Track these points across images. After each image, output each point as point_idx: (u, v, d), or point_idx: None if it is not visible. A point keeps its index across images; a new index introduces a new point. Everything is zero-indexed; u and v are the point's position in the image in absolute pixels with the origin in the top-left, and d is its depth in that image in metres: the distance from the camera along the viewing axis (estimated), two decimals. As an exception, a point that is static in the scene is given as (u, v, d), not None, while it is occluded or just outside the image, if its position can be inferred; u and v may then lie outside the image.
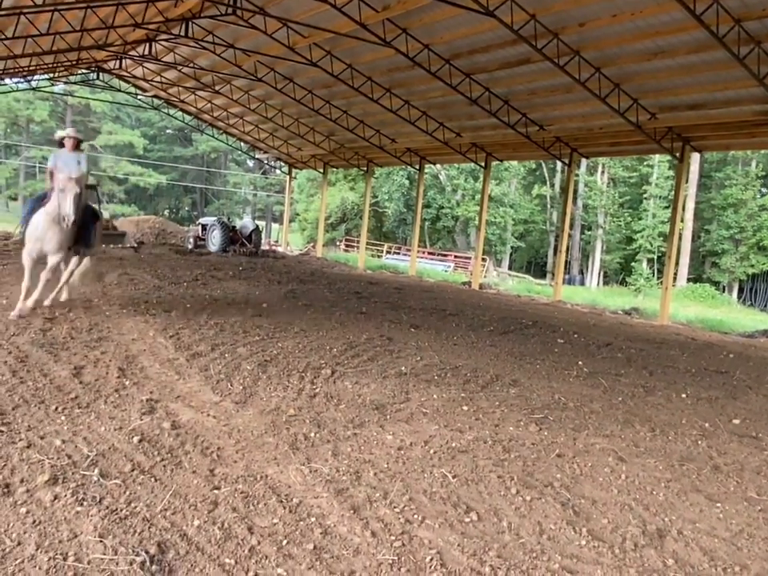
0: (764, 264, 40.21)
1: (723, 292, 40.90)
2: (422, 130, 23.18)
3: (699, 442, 6.00)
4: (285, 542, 3.44)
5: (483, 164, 24.63)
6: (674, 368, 9.98)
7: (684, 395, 7.98)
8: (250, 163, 66.86)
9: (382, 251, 41.04)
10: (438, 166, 38.45)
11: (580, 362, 9.44)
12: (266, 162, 41.78)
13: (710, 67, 14.43)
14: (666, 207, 39.21)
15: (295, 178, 41.78)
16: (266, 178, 64.52)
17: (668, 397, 7.85)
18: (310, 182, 47.85)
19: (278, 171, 45.60)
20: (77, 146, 9.29)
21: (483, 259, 32.70)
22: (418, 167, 27.89)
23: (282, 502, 3.87)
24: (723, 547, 3.88)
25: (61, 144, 9.40)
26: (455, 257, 39.72)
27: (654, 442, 5.88)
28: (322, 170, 34.96)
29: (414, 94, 21.79)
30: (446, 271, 34.44)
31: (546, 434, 5.76)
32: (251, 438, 4.94)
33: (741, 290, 42.69)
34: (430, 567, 3.31)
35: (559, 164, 36.63)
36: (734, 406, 7.72)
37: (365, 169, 31.60)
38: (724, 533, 4.07)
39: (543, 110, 19.62)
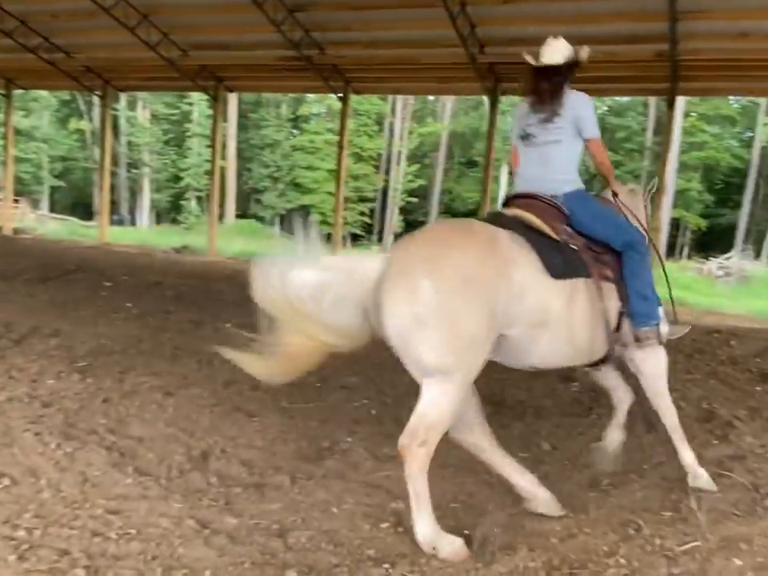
0: (298, 199, 44.61)
1: (269, 226, 44.37)
2: None
3: (241, 366, 6.47)
4: None
5: (3, 92, 21.70)
6: (221, 300, 10.47)
7: (229, 324, 8.48)
8: None
9: None
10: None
11: (129, 304, 9.25)
12: None
13: (234, 10, 14.81)
14: (209, 146, 40.27)
15: None
16: None
17: (215, 328, 8.24)
18: None
19: None
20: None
21: (16, 200, 29.25)
22: None
23: None
24: (260, 455, 4.30)
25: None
26: (-19, 200, 34.70)
27: (201, 372, 6.16)
28: None
29: None
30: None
31: (90, 381, 5.54)
32: None
33: (282, 223, 47.01)
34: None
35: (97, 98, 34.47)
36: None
37: None
38: (260, 443, 4.50)
39: (68, 35, 17.93)
